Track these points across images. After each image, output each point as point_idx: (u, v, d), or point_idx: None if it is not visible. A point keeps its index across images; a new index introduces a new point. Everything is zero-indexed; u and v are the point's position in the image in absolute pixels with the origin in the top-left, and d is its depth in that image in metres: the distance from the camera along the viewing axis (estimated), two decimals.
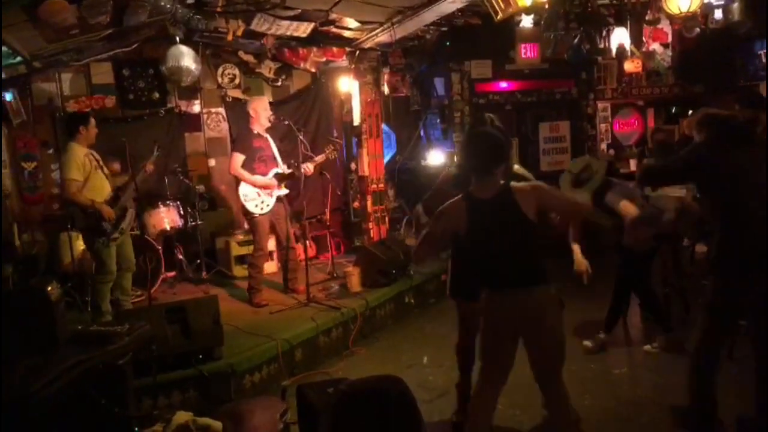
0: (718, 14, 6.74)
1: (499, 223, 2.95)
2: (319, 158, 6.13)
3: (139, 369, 3.67)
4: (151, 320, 3.86)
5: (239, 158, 5.76)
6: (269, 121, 5.86)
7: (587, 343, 4.90)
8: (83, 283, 5.80)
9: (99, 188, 5.15)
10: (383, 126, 8.08)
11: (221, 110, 7.71)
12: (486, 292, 3.09)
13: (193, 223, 6.80)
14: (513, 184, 2.99)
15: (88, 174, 5.06)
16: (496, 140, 3.04)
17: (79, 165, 5.01)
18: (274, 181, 5.79)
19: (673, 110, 9.17)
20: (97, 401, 3.03)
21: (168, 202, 6.56)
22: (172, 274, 6.74)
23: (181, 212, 6.65)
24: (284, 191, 5.89)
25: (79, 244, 5.94)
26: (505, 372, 3.11)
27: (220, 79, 7.56)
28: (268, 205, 5.78)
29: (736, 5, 6.18)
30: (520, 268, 2.98)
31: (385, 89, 7.99)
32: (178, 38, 6.11)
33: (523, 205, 2.90)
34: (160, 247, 6.38)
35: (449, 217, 3.04)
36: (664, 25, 7.90)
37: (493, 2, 4.49)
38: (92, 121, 5.26)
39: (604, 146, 8.75)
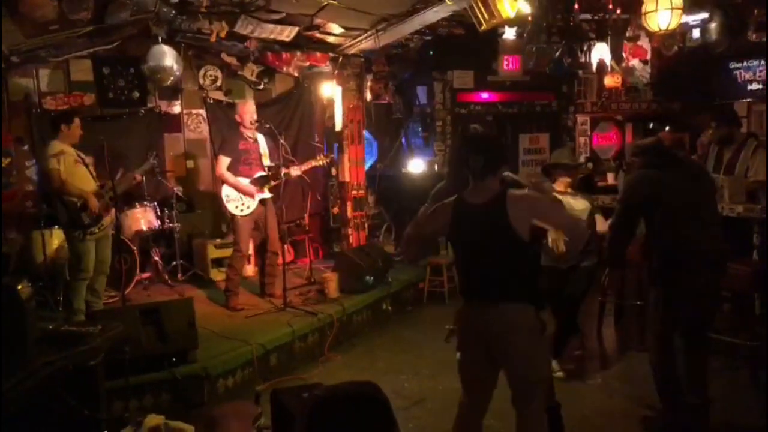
0: (696, 33, 6.88)
1: (480, 232, 2.84)
2: (308, 165, 6.11)
3: (111, 371, 3.60)
4: (124, 321, 3.79)
5: (225, 161, 5.73)
6: (251, 124, 5.84)
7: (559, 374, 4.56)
8: (56, 283, 5.71)
9: (82, 180, 5.10)
10: (365, 132, 8.09)
11: (202, 111, 7.65)
12: (461, 301, 3.02)
13: (170, 225, 6.73)
14: (510, 191, 2.85)
15: (68, 166, 5.00)
16: (497, 141, 2.99)
17: (58, 158, 4.95)
18: (257, 187, 5.75)
19: (651, 126, 9.30)
20: (67, 403, 2.97)
21: (145, 202, 6.49)
22: (147, 275, 6.65)
23: (158, 213, 6.58)
24: (268, 194, 5.86)
25: (53, 242, 5.85)
26: (484, 390, 2.99)
27: (201, 81, 7.51)
28: (248, 207, 5.74)
29: (713, 25, 6.31)
30: (497, 282, 2.84)
31: (368, 96, 8.00)
32: (160, 38, 6.06)
33: (512, 216, 2.75)
34: (135, 248, 6.29)
35: (435, 217, 3.00)
36: (644, 42, 8.03)
37: (478, 13, 4.53)
38: (76, 120, 5.18)
39: (582, 159, 8.86)
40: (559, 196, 3.92)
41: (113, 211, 5.28)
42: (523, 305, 2.83)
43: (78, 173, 5.08)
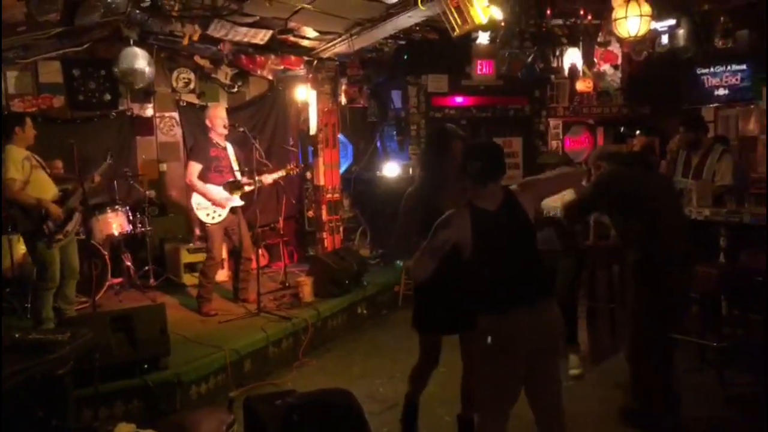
0: (665, 39, 7.01)
1: (507, 236, 2.78)
2: (278, 174, 6.08)
3: (81, 379, 3.54)
4: (94, 328, 3.73)
5: (196, 167, 5.65)
6: (224, 128, 5.79)
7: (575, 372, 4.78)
8: (24, 289, 5.60)
9: (44, 187, 4.93)
10: (340, 136, 8.08)
11: (175, 114, 7.59)
12: (492, 316, 2.79)
13: (142, 229, 6.65)
14: (511, 187, 2.87)
15: (28, 174, 4.82)
16: (499, 148, 2.93)
17: (17, 165, 4.76)
18: (228, 195, 5.70)
19: (622, 129, 9.44)
20: (34, 413, 2.91)
21: (116, 206, 6.39)
22: (119, 280, 6.55)
23: (130, 217, 6.48)
24: (239, 202, 5.82)
25: (20, 248, 5.72)
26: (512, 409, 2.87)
27: (174, 83, 7.45)
28: (220, 215, 5.69)
29: (681, 32, 6.44)
30: (536, 280, 2.82)
31: (343, 99, 8.00)
32: (132, 40, 5.99)
33: (527, 209, 2.81)
34: (106, 253, 6.20)
35: (455, 227, 2.75)
36: (615, 47, 8.17)
37: (451, 19, 4.56)
38: (28, 121, 4.98)
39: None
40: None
41: (78, 216, 5.16)
42: (553, 299, 2.87)
43: (39, 180, 4.90)
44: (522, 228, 2.82)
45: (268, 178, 5.96)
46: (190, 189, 5.84)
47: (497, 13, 4.50)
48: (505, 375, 2.78)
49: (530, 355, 2.76)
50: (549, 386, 2.86)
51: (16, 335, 3.35)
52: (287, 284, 6.54)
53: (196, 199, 5.69)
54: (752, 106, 7.75)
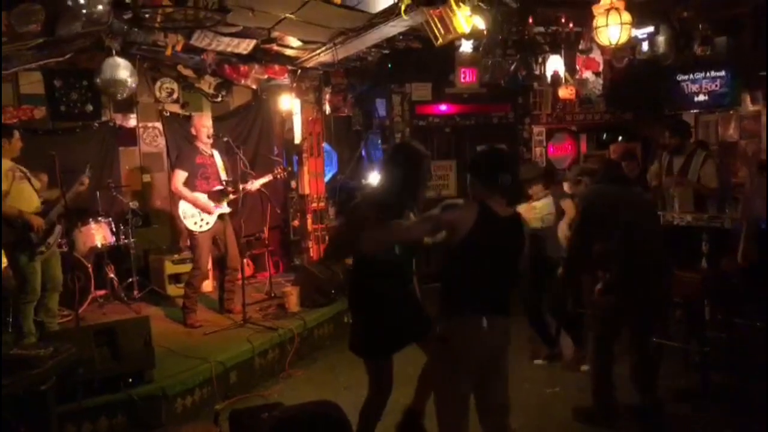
0: (645, 46, 7.09)
1: (503, 245, 2.87)
2: (266, 178, 6.07)
3: (64, 394, 3.50)
4: (78, 342, 3.71)
5: (181, 175, 5.63)
6: (209, 138, 5.77)
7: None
8: (5, 303, 5.51)
9: (26, 199, 4.88)
10: (324, 145, 8.08)
11: (158, 125, 7.54)
12: (460, 316, 2.85)
13: (126, 240, 6.59)
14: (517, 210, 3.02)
15: (10, 185, 4.78)
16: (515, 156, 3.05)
17: (4, 177, 4.74)
18: (212, 206, 5.67)
19: (605, 136, 9.53)
20: (17, 429, 2.87)
21: (99, 218, 6.35)
22: (103, 292, 6.49)
23: (113, 229, 6.44)
24: (227, 209, 5.79)
25: (4, 261, 5.65)
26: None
27: (157, 93, 7.41)
28: (207, 224, 5.66)
29: (660, 39, 6.52)
30: (507, 295, 2.95)
31: (327, 108, 8.00)
32: (114, 50, 5.95)
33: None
34: (89, 265, 6.13)
35: (461, 213, 2.80)
36: (596, 55, 8.23)
37: (434, 28, 4.58)
38: (15, 133, 4.97)
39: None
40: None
41: (58, 228, 5.11)
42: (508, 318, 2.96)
43: (21, 192, 4.86)
44: (516, 247, 2.93)
45: (255, 183, 5.95)
46: (175, 198, 5.81)
47: (480, 23, 4.52)
48: (459, 379, 2.86)
49: (484, 362, 2.87)
50: (497, 387, 2.95)
51: None
52: (273, 294, 6.51)
53: (182, 208, 5.65)
54: (731, 112, 7.87)
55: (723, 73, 7.70)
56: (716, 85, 7.83)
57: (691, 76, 8.02)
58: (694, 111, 8.16)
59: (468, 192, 2.97)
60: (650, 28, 6.60)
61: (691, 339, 4.71)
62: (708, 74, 7.86)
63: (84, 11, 4.74)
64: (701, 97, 8.01)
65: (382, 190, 3.36)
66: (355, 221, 3.25)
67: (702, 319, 4.72)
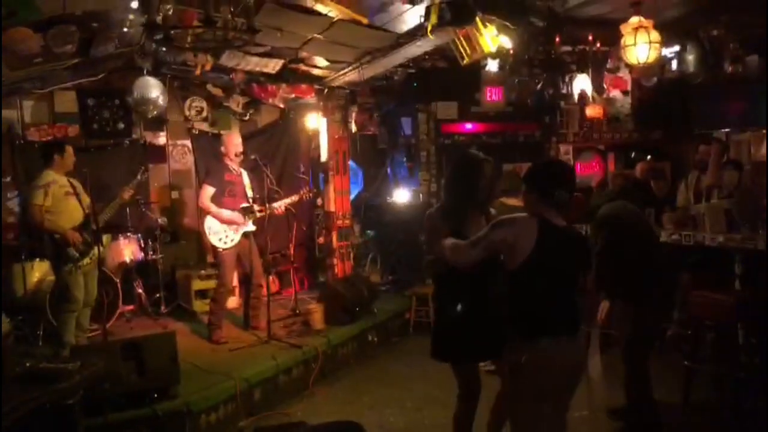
0: (674, 65, 7.01)
1: (568, 258, 2.72)
2: (293, 198, 6.12)
3: (90, 408, 3.53)
4: (105, 357, 3.73)
5: (209, 190, 5.71)
6: (237, 156, 5.85)
7: None
8: (36, 317, 5.61)
9: (69, 215, 5.04)
10: (350, 163, 8.12)
11: (187, 142, 7.67)
12: (534, 341, 2.69)
13: (154, 256, 6.68)
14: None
15: (56, 200, 4.96)
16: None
17: (43, 190, 4.92)
18: (241, 218, 5.74)
19: (633, 155, 9.42)
20: None
21: (128, 233, 6.44)
22: (130, 307, 6.57)
23: (142, 244, 6.53)
24: (251, 227, 5.84)
25: (34, 275, 5.77)
26: None
27: (187, 112, 7.54)
28: (232, 240, 5.71)
29: (690, 57, 6.44)
30: (577, 312, 2.77)
31: (353, 127, 8.05)
32: (145, 70, 6.09)
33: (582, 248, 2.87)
34: (118, 280, 6.22)
35: (520, 229, 2.67)
36: (624, 74, 8.16)
37: (460, 47, 4.60)
38: (68, 149, 5.19)
39: None
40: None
41: (104, 240, 5.25)
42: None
43: (66, 206, 5.02)
44: (582, 256, 2.87)
45: (281, 204, 5.99)
46: (202, 214, 5.88)
47: (506, 42, 4.53)
48: (540, 407, 2.72)
49: (563, 385, 2.75)
50: (567, 404, 2.86)
51: (27, 364, 3.36)
52: (298, 311, 6.52)
53: (208, 224, 5.72)
54: (764, 131, 7.71)
55: (754, 91, 7.57)
56: (747, 104, 7.70)
57: (722, 94, 7.90)
58: (725, 130, 8.03)
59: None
60: (679, 47, 6.54)
61: (724, 363, 4.58)
62: (739, 93, 7.74)
63: (117, 32, 4.88)
64: (732, 116, 7.88)
65: (445, 199, 3.43)
66: (428, 230, 3.26)
67: (735, 343, 4.59)
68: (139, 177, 5.74)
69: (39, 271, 5.78)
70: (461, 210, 3.19)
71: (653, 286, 4.00)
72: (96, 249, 5.10)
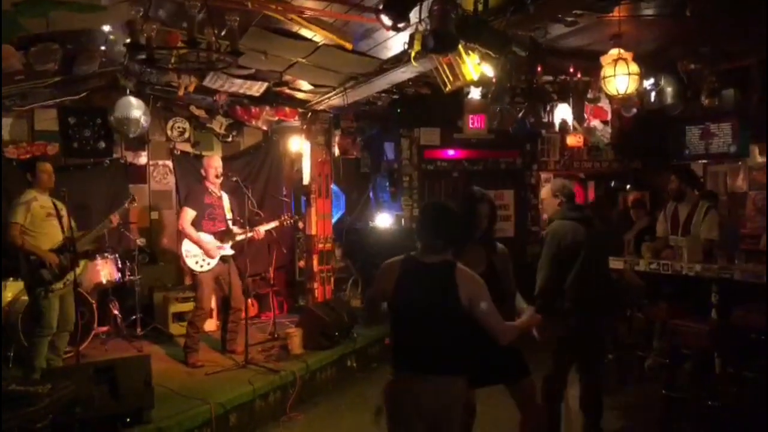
0: (653, 97, 7.14)
1: (427, 294, 2.74)
2: (272, 224, 6.09)
3: None
4: (77, 380, 3.67)
5: (189, 214, 5.66)
6: (216, 178, 5.82)
7: None
8: (7, 337, 5.49)
9: (49, 236, 4.94)
10: (333, 186, 8.13)
11: (168, 163, 7.63)
12: (393, 371, 2.89)
13: (131, 277, 6.59)
14: (459, 265, 2.80)
15: (38, 220, 4.87)
16: (443, 213, 2.89)
17: (24, 210, 4.83)
18: (216, 248, 5.69)
19: (612, 184, 9.56)
20: None
21: (106, 254, 6.35)
22: (105, 329, 6.45)
23: (119, 265, 6.44)
24: (230, 251, 5.80)
25: (7, 295, 5.65)
26: None
27: (169, 132, 7.52)
28: (209, 264, 5.66)
29: (669, 89, 6.57)
30: (438, 352, 2.76)
31: (336, 151, 8.08)
32: (128, 89, 6.07)
33: (461, 288, 2.71)
34: (94, 301, 6.11)
35: (383, 274, 2.90)
36: (604, 104, 8.29)
37: (443, 75, 4.65)
38: (42, 166, 5.07)
39: (545, 216, 9.01)
40: None
41: (81, 264, 5.14)
42: (458, 378, 2.81)
43: (46, 228, 4.93)
44: (447, 295, 2.71)
45: (261, 229, 5.96)
46: (180, 236, 5.83)
47: (489, 71, 4.58)
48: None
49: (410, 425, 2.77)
50: None
51: None
52: (276, 335, 6.45)
53: (185, 246, 5.66)
54: (740, 163, 7.87)
55: (731, 124, 7.74)
56: (724, 136, 7.87)
57: (700, 126, 8.06)
58: (703, 161, 8.18)
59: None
60: (658, 79, 6.67)
61: (700, 392, 4.60)
62: (716, 125, 7.91)
63: (100, 52, 4.87)
64: (709, 148, 8.04)
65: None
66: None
67: (712, 372, 4.62)
68: (126, 205, 5.69)
69: (12, 291, 5.67)
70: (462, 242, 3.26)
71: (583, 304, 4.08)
72: (71, 273, 4.99)
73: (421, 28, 3.68)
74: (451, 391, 2.75)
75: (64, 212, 5.06)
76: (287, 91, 6.75)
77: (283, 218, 6.25)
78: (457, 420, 2.83)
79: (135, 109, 6.10)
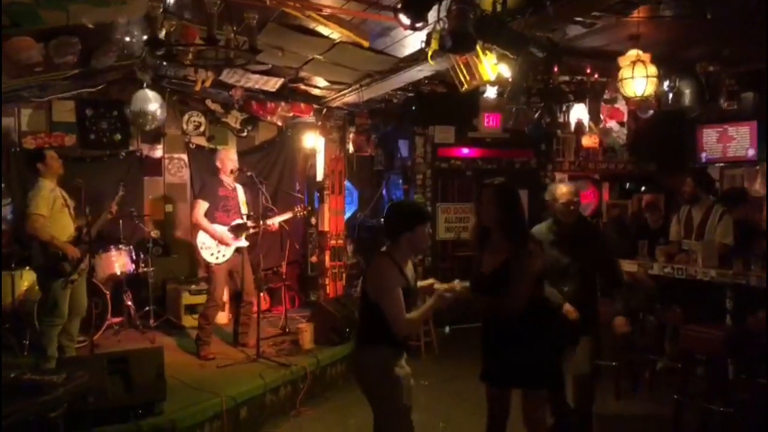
0: (671, 98, 7.09)
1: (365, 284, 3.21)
2: (286, 215, 6.12)
3: (74, 422, 3.48)
4: (90, 370, 3.70)
5: (203, 206, 5.69)
6: (232, 171, 5.84)
7: None
8: (23, 326, 5.56)
9: (63, 227, 4.99)
10: (346, 183, 8.14)
11: (184, 156, 7.67)
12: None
13: (145, 269, 6.64)
14: (381, 252, 3.14)
15: (54, 211, 4.91)
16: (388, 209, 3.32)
17: (47, 201, 4.87)
18: (231, 238, 5.71)
19: (627, 185, 9.50)
20: None
21: (120, 245, 6.40)
22: (118, 320, 6.51)
23: (133, 257, 6.49)
24: (244, 243, 5.82)
25: (22, 284, 5.72)
26: None
27: (185, 126, 7.55)
28: (224, 255, 5.69)
29: (686, 92, 6.52)
30: (358, 329, 3.35)
31: (350, 147, 8.08)
32: (145, 83, 6.11)
33: (367, 279, 3.18)
34: (108, 292, 6.18)
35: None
36: (621, 105, 8.25)
37: (459, 74, 4.64)
38: (48, 154, 5.11)
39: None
40: None
41: (87, 255, 5.18)
42: (373, 348, 3.17)
43: (60, 218, 4.98)
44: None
45: (275, 221, 5.98)
46: (195, 229, 5.86)
47: (505, 71, 4.57)
48: None
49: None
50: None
51: (11, 375, 3.32)
52: (287, 330, 6.48)
53: (201, 239, 5.69)
54: (757, 167, 7.79)
55: (748, 127, 7.66)
56: (742, 140, 7.79)
57: (717, 129, 7.99)
58: (719, 164, 8.10)
59: None
60: (676, 81, 6.62)
61: (713, 398, 4.57)
62: (734, 128, 7.83)
63: (119, 45, 4.90)
64: (727, 151, 7.97)
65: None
66: None
67: (725, 378, 4.59)
68: (120, 192, 5.70)
69: (27, 280, 5.74)
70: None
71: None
72: (85, 262, 5.05)
73: (439, 27, 3.67)
74: (364, 360, 3.20)
75: (70, 202, 5.11)
76: (303, 87, 6.76)
77: (296, 209, 6.27)
78: (378, 388, 3.16)
79: (151, 102, 6.14)
